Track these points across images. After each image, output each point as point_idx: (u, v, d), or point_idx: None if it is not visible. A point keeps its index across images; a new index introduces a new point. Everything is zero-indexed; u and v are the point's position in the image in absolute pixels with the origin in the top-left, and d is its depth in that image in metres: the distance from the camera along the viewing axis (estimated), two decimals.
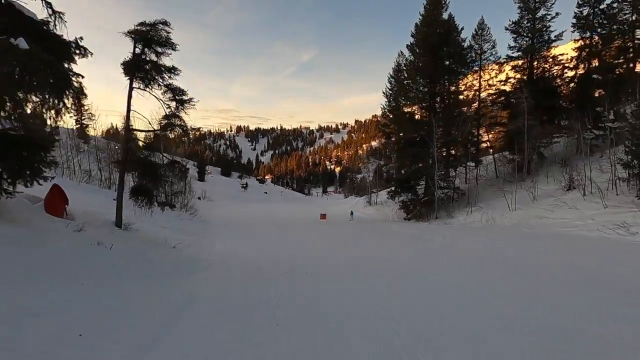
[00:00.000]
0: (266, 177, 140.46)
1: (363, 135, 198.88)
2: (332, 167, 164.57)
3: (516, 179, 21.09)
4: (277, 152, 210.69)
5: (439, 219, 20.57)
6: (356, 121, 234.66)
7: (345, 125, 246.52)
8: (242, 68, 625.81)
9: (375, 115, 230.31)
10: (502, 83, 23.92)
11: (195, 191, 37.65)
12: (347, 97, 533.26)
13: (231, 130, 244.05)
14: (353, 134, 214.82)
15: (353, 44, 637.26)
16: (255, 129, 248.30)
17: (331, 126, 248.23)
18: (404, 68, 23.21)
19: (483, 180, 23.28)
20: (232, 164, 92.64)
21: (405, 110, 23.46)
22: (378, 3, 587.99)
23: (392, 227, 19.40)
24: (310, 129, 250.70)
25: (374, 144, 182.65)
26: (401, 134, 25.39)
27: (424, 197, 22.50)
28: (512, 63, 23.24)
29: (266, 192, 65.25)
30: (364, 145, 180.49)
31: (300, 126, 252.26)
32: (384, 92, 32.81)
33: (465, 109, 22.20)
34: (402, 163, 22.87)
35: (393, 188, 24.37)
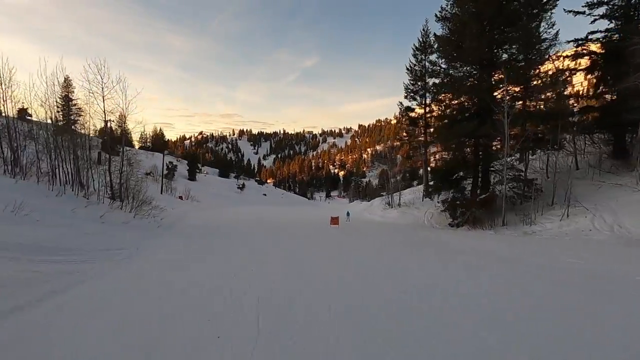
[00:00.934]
0: (268, 180, 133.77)
1: (367, 139, 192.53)
2: (336, 171, 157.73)
3: (620, 169, 14.23)
4: (279, 156, 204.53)
5: (508, 226, 13.64)
6: (360, 126, 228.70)
7: (348, 130, 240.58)
8: (245, 74, 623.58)
9: (379, 120, 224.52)
10: (582, 42, 17.13)
11: (176, 190, 30.94)
12: (350, 103, 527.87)
13: (234, 134, 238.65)
14: (357, 139, 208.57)
15: (355, 52, 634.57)
16: (258, 132, 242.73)
17: (334, 131, 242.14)
18: (449, 15, 16.40)
19: (559, 171, 16.34)
20: (230, 164, 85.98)
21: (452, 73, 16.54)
22: (380, 12, 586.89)
23: (443, 238, 12.46)
24: (313, 133, 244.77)
25: (378, 148, 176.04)
26: (438, 111, 18.63)
27: (479, 194, 15.59)
28: (597, 11, 16.53)
29: (265, 194, 58.38)
30: (368, 149, 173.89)
31: (303, 130, 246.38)
32: (408, 68, 26.23)
33: (539, 69, 15.25)
34: (446, 146, 16.02)
35: (432, 183, 17.55)
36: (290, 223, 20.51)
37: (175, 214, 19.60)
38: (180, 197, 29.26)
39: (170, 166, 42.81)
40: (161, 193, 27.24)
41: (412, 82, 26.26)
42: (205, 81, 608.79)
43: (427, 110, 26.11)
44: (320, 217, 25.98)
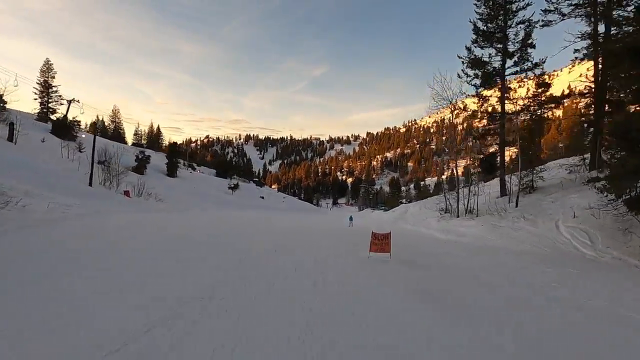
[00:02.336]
0: (272, 186, 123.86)
1: (376, 147, 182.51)
2: (344, 177, 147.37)
3: None
4: (285, 161, 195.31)
5: None
6: (368, 133, 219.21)
7: (356, 137, 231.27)
8: (254, 81, 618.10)
9: (388, 128, 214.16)
10: None
11: (124, 183, 21.03)
12: (357, 113, 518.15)
13: (240, 139, 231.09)
14: (365, 146, 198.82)
15: (364, 62, 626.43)
16: (265, 138, 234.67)
17: (342, 137, 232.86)
18: None
19: None
20: (229, 165, 76.27)
21: None
22: (389, 23, 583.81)
23: None
24: (321, 139, 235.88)
25: (388, 155, 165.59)
26: None
27: None
28: None
29: (262, 197, 48.14)
30: (378, 157, 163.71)
31: (310, 137, 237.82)
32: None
33: None
34: None
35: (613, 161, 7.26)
36: (295, 232, 10.35)
37: (51, 217, 9.58)
38: (126, 193, 19.31)
39: (141, 157, 33.17)
40: (90, 184, 17.35)
41: (484, 17, 16.23)
42: (214, 87, 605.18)
43: (505, 64, 16.01)
44: (334, 230, 15.76)
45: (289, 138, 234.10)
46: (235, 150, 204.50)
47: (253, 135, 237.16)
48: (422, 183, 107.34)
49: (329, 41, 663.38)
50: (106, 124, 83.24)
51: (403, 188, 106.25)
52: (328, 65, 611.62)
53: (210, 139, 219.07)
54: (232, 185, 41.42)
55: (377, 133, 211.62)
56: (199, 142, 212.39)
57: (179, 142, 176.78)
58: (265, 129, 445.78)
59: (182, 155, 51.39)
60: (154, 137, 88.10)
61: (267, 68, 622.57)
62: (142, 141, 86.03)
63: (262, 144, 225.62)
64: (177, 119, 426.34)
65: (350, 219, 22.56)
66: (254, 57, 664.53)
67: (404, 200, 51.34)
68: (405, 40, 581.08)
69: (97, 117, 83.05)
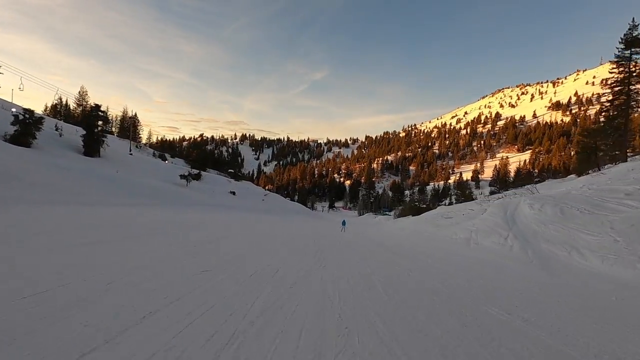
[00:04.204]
0: (267, 187, 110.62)
1: (376, 149, 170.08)
2: (341, 179, 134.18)
3: None
4: (281, 162, 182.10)
5: None
6: (367, 137, 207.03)
7: (354, 140, 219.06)
8: (254, 83, 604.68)
9: (387, 132, 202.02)
10: None
11: None
12: (356, 117, 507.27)
13: (235, 138, 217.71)
14: (364, 149, 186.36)
15: (363, 66, 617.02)
16: (261, 138, 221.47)
17: (340, 140, 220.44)
18: None
19: None
20: (208, 155, 62.81)
21: None
22: (390, 28, 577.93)
23: None
24: (318, 142, 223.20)
25: (389, 158, 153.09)
26: None
27: None
28: None
29: (234, 193, 34.92)
30: (378, 159, 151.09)
31: (308, 138, 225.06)
32: None
33: None
34: None
35: None
36: None
37: None
38: None
39: (25, 119, 20.03)
40: None
41: None
42: (214, 88, 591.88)
43: None
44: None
45: (285, 139, 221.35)
46: (230, 150, 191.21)
47: (249, 135, 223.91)
48: (427, 187, 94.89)
49: (330, 45, 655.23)
50: (71, 107, 69.79)
51: (406, 192, 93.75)
52: (328, 68, 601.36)
53: (204, 138, 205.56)
54: (186, 174, 28.06)
55: (376, 137, 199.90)
56: (192, 140, 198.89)
57: (170, 139, 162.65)
58: (263, 130, 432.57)
59: (95, 126, 37.60)
60: (128, 125, 74.32)
61: (268, 70, 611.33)
62: (112, 128, 72.68)
63: (258, 145, 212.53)
64: (176, 118, 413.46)
65: (344, 223, 21.57)
66: (254, 58, 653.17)
67: (421, 205, 38.35)
68: (406, 46, 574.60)
69: (61, 98, 69.33)
